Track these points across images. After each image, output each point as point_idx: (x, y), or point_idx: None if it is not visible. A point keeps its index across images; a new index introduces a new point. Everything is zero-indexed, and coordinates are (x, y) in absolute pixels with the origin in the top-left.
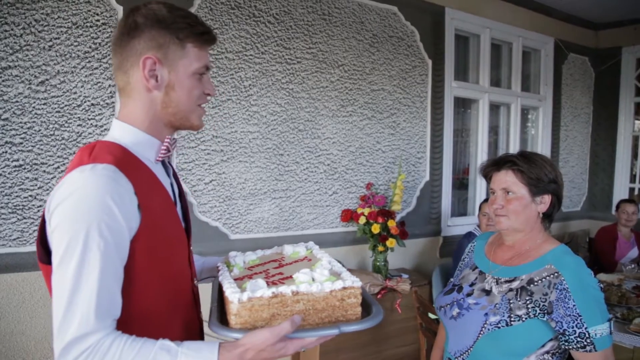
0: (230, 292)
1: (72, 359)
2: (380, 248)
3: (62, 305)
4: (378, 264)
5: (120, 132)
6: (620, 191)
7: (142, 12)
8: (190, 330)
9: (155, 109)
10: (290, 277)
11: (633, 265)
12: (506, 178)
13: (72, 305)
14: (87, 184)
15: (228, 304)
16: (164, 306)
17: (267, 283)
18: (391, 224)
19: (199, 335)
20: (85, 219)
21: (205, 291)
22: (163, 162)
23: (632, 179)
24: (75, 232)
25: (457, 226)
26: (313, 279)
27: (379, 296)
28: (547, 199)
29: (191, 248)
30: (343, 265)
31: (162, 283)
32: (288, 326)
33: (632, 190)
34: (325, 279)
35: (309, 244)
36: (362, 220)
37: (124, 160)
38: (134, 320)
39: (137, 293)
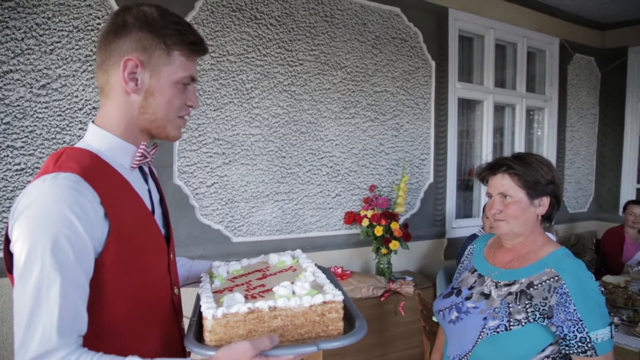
0: (205, 307)
1: None
2: (384, 250)
3: (23, 321)
4: (381, 266)
5: (94, 137)
6: (627, 192)
7: (133, 13)
8: (169, 343)
9: (132, 114)
10: (271, 290)
11: None
12: (503, 182)
13: (32, 322)
14: (45, 195)
15: (203, 319)
16: (139, 318)
17: (246, 297)
18: (394, 226)
19: (180, 349)
20: (43, 232)
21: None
22: (141, 168)
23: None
24: (33, 245)
25: (462, 228)
26: (293, 293)
27: (382, 299)
28: (545, 201)
29: (171, 255)
30: (328, 277)
31: (136, 294)
32: (267, 342)
33: (639, 190)
34: (306, 292)
35: (295, 253)
36: (365, 222)
37: (92, 168)
38: (106, 334)
39: (108, 306)
